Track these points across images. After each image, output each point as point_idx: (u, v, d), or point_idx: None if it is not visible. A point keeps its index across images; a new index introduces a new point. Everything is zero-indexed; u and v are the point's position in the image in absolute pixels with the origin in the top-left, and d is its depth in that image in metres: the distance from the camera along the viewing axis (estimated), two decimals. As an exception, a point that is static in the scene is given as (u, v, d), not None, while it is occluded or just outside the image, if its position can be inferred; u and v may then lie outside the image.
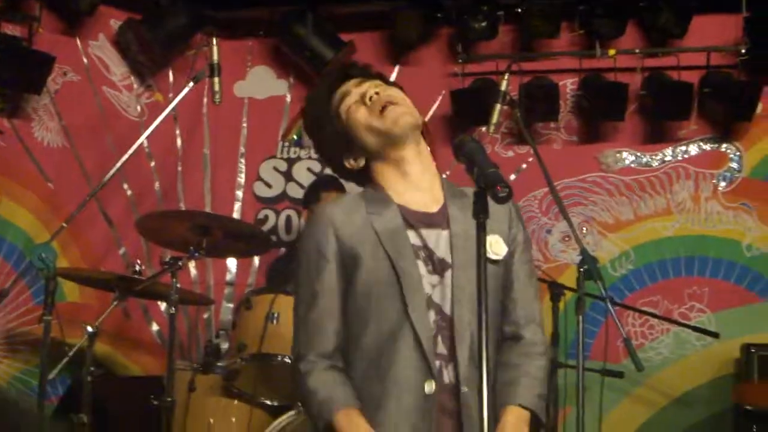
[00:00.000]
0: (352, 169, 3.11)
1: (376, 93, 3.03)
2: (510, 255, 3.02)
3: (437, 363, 2.88)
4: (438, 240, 2.98)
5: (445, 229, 3.00)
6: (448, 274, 2.95)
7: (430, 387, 2.85)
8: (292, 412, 5.05)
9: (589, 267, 4.54)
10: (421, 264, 2.94)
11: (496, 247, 2.96)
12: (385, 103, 3.01)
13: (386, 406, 2.85)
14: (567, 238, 6.73)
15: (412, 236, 2.97)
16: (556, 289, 5.63)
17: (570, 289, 5.43)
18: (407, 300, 2.88)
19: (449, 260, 2.96)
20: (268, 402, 5.42)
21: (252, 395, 5.36)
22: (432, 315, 2.91)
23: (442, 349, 2.90)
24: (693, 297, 6.69)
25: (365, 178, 3.11)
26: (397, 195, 3.03)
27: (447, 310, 2.92)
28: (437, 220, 3.01)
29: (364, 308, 2.93)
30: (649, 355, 6.51)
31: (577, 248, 4.87)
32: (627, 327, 6.42)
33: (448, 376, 2.89)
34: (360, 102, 3.04)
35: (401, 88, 3.12)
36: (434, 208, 3.03)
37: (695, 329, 6.10)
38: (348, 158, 3.10)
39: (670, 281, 6.74)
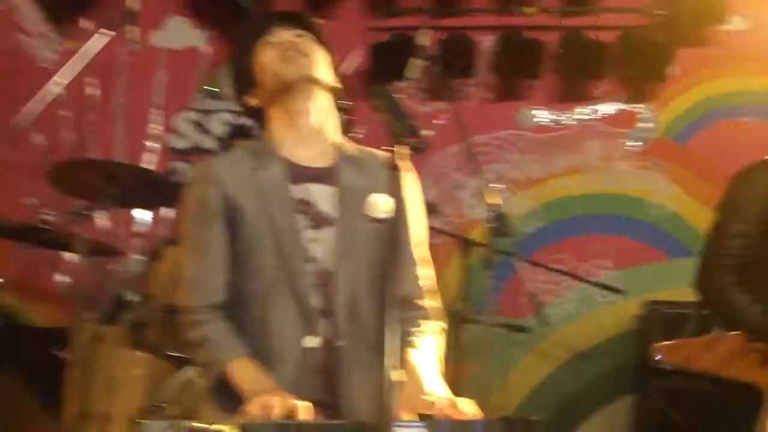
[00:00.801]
0: (250, 108, 3.15)
1: (293, 42, 3.06)
2: (400, 218, 3.01)
3: (314, 317, 2.91)
4: (323, 195, 3.01)
5: (333, 186, 3.02)
6: (331, 229, 2.97)
7: (309, 341, 2.89)
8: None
9: (499, 223, 4.57)
10: (301, 218, 2.96)
11: (384, 206, 2.96)
12: (294, 52, 3.03)
13: (269, 360, 2.86)
14: (478, 194, 6.75)
15: (295, 190, 2.99)
16: (465, 245, 5.65)
17: (480, 244, 5.46)
18: (284, 254, 2.91)
19: (333, 216, 2.98)
20: (175, 354, 5.39)
21: (159, 347, 5.33)
22: (310, 269, 2.93)
23: (319, 302, 2.92)
24: (599, 254, 6.79)
25: (262, 121, 3.13)
26: (286, 147, 3.05)
27: (326, 265, 2.94)
28: (325, 175, 3.03)
29: (245, 262, 2.96)
30: (555, 311, 6.58)
31: (487, 204, 4.89)
32: (534, 283, 6.48)
33: (324, 330, 2.91)
34: (275, 46, 3.06)
35: (330, 51, 3.15)
36: (323, 164, 3.05)
37: (600, 286, 6.21)
38: (246, 95, 3.14)
39: (577, 238, 6.84)
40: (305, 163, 3.04)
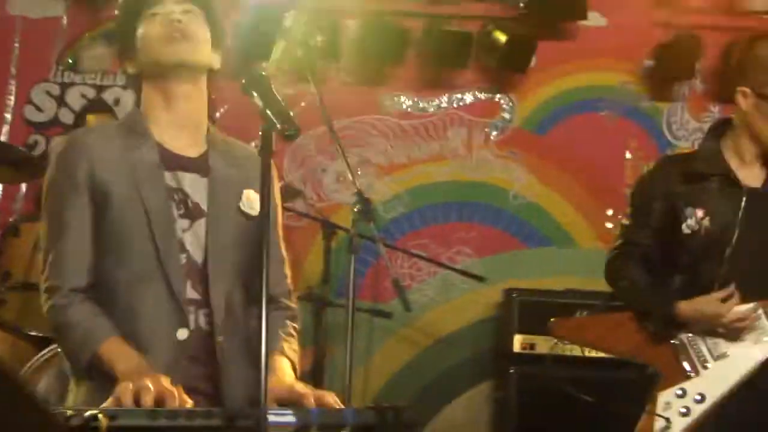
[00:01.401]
0: (130, 75, 3.05)
1: (179, 21, 2.93)
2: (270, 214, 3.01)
3: (187, 308, 2.84)
4: (195, 185, 2.94)
5: (204, 176, 2.96)
6: (202, 221, 2.91)
7: (183, 334, 2.82)
8: (55, 345, 4.94)
9: (362, 208, 4.60)
10: (173, 206, 2.88)
11: (253, 202, 2.95)
12: (179, 33, 2.92)
13: (139, 350, 2.76)
14: (341, 179, 6.78)
15: (168, 177, 2.91)
16: (328, 229, 5.68)
17: (343, 228, 5.50)
18: (158, 242, 2.83)
19: (204, 207, 2.92)
20: (34, 333, 5.28)
21: (17, 326, 5.20)
22: (183, 259, 2.87)
23: (192, 294, 2.86)
24: (461, 241, 6.87)
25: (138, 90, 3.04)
26: (159, 129, 2.96)
27: (197, 256, 2.89)
28: (197, 165, 2.96)
29: (113, 246, 2.85)
30: (416, 297, 6.62)
31: (351, 188, 4.92)
32: (396, 269, 6.54)
33: (197, 322, 2.86)
34: (162, 18, 2.94)
35: (218, 27, 3.05)
36: (194, 153, 2.98)
37: (461, 273, 6.27)
38: (126, 61, 3.02)
39: (439, 225, 6.91)
40: (177, 151, 2.96)
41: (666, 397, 3.86)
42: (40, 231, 2.97)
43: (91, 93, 6.84)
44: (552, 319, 4.20)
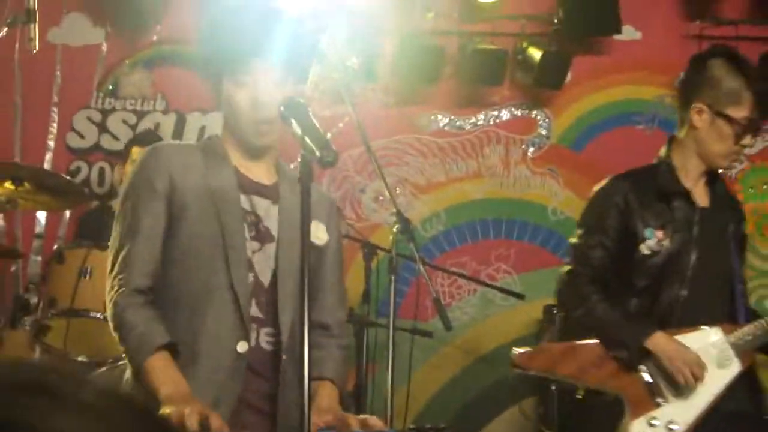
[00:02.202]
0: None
1: (272, 123, 2.93)
2: (327, 245, 3.10)
3: (250, 325, 2.92)
4: (268, 211, 3.03)
5: (276, 204, 3.05)
6: (272, 246, 3.00)
7: (243, 347, 2.88)
8: (103, 369, 5.00)
9: (401, 227, 4.63)
10: (246, 228, 2.97)
11: (320, 233, 3.05)
12: (265, 128, 2.95)
13: (198, 361, 2.86)
14: (380, 198, 6.83)
15: (243, 200, 3.00)
16: (368, 249, 5.70)
17: (382, 249, 5.52)
18: (229, 258, 2.91)
19: (274, 233, 3.01)
20: (80, 358, 5.34)
21: (62, 351, 5.27)
22: (251, 277, 2.95)
23: (256, 312, 2.94)
24: (500, 259, 6.90)
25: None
26: (236, 157, 3.05)
27: (263, 278, 2.97)
28: (270, 192, 3.06)
29: (182, 260, 2.94)
30: (457, 315, 6.69)
31: (389, 208, 4.96)
32: (436, 287, 6.56)
33: (259, 340, 2.94)
34: (245, 89, 2.93)
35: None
36: (268, 182, 3.07)
37: (501, 290, 6.27)
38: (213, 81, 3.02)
39: (478, 243, 6.95)
40: (253, 177, 3.05)
41: (638, 426, 3.81)
42: (113, 232, 3.04)
43: (132, 119, 6.93)
44: (516, 351, 4.07)
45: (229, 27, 2.91)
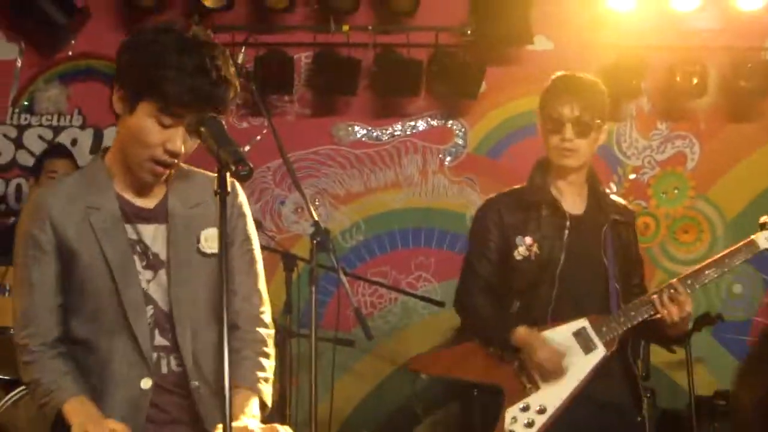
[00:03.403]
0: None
1: (173, 155, 2.86)
2: (227, 247, 2.99)
3: (155, 355, 2.93)
4: (155, 235, 2.99)
5: (163, 224, 3.01)
6: (163, 270, 2.97)
7: (147, 383, 2.91)
8: (23, 387, 4.95)
9: (321, 238, 4.66)
10: (137, 259, 2.95)
11: (211, 241, 3.01)
12: (162, 168, 2.89)
13: (103, 400, 2.88)
14: (300, 210, 6.86)
15: (130, 230, 2.97)
16: (289, 260, 5.72)
17: (303, 259, 5.54)
18: (122, 297, 2.90)
19: (164, 257, 2.98)
20: (1, 376, 5.29)
21: (-18, 369, 5.22)
22: (149, 310, 2.94)
23: (161, 341, 2.95)
24: (420, 267, 6.97)
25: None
26: (121, 180, 2.99)
27: (163, 305, 2.96)
28: (155, 214, 3.01)
29: (80, 303, 2.93)
30: (378, 324, 6.76)
31: (309, 219, 4.98)
32: (357, 296, 6.63)
33: (169, 366, 2.96)
34: (167, 132, 2.83)
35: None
36: (152, 203, 3.02)
37: (422, 298, 6.33)
38: (115, 99, 2.91)
39: (398, 252, 7.01)
40: (136, 202, 3.00)
41: (512, 413, 4.22)
42: (13, 280, 3.05)
43: (48, 134, 6.89)
44: (411, 358, 4.63)
45: (174, 66, 2.78)
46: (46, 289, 2.93)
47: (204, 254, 3.00)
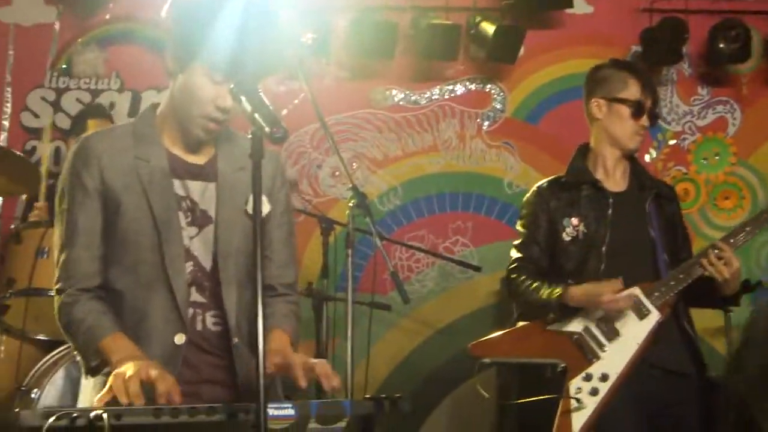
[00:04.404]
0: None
1: (223, 111, 2.91)
2: (269, 214, 3.09)
3: (191, 311, 2.95)
4: (203, 192, 3.02)
5: (212, 182, 3.04)
6: (210, 227, 2.99)
7: (180, 339, 2.91)
8: (63, 347, 5.01)
9: (357, 202, 4.66)
10: (181, 215, 2.97)
11: (262, 206, 3.02)
12: (215, 125, 2.94)
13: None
14: (337, 174, 6.85)
15: (177, 185, 2.99)
16: (325, 224, 5.72)
17: (339, 223, 5.55)
18: (165, 252, 2.92)
19: (212, 214, 3.00)
20: (39, 337, 5.35)
21: (22, 330, 5.27)
22: (189, 266, 2.96)
23: (198, 297, 2.97)
24: (457, 231, 6.94)
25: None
26: (171, 138, 3.03)
27: (204, 262, 2.98)
28: (205, 172, 3.04)
29: (121, 254, 2.94)
30: (415, 288, 6.74)
31: (346, 183, 4.97)
32: (394, 261, 6.62)
33: (204, 323, 2.97)
34: (218, 87, 2.87)
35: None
36: (203, 160, 3.06)
37: (459, 263, 6.29)
38: (169, 56, 2.98)
39: (435, 216, 6.98)
40: (186, 158, 3.03)
41: (576, 384, 4.25)
42: (55, 234, 3.05)
43: (86, 97, 6.90)
44: (470, 344, 4.69)
45: (224, 26, 2.83)
46: (91, 236, 2.94)
47: (250, 216, 3.00)
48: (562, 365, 4.15)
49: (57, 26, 6.97)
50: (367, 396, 2.67)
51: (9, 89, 6.88)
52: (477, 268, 6.07)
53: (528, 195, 4.69)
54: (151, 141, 3.01)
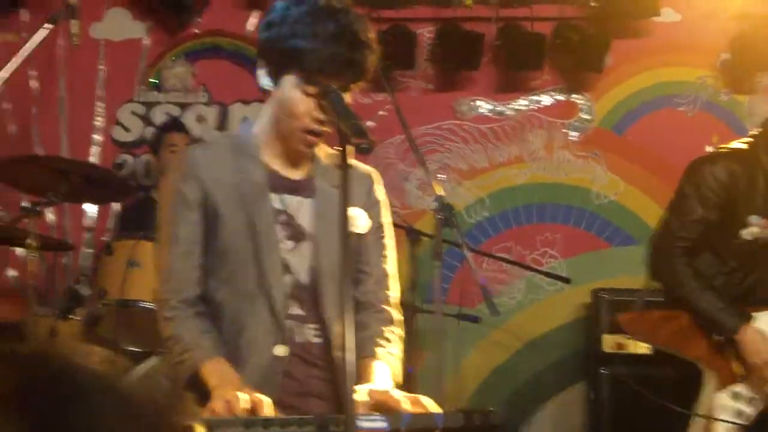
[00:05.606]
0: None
1: (321, 123, 2.90)
2: (373, 227, 3.11)
3: (291, 324, 2.97)
4: (300, 207, 3.04)
5: (309, 198, 3.05)
6: (307, 243, 3.01)
7: (280, 350, 2.94)
8: (153, 358, 5.07)
9: (445, 213, 4.64)
10: (279, 228, 2.99)
11: (359, 220, 3.04)
12: (314, 137, 2.95)
13: (235, 365, 2.89)
14: (423, 185, 6.84)
15: (275, 199, 3.01)
16: (413, 236, 5.71)
17: (427, 235, 5.54)
18: (263, 263, 2.94)
19: (309, 230, 3.02)
20: (130, 348, 5.42)
21: (113, 341, 5.34)
22: (287, 279, 2.98)
23: (297, 310, 2.98)
24: (545, 243, 6.90)
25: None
26: (268, 152, 3.05)
27: (302, 276, 3.00)
28: (302, 187, 3.06)
29: (220, 265, 2.98)
30: (504, 300, 6.70)
31: (433, 195, 4.96)
32: (482, 272, 6.60)
33: (304, 336, 2.99)
34: (307, 101, 2.88)
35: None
36: (300, 176, 3.08)
37: (547, 275, 6.26)
38: (262, 72, 3.00)
39: (523, 228, 6.94)
40: (283, 173, 3.06)
41: (724, 397, 4.09)
42: (156, 241, 3.11)
43: (175, 111, 6.98)
44: (620, 316, 4.41)
45: (310, 35, 2.83)
46: (191, 247, 2.98)
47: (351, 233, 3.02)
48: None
49: (146, 41, 7.07)
50: (458, 409, 2.67)
51: (100, 104, 6.99)
52: (566, 280, 6.02)
53: (704, 159, 4.29)
54: (250, 155, 3.04)
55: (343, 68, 2.83)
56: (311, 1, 2.91)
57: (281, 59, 2.91)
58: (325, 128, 2.93)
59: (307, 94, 2.88)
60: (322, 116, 2.88)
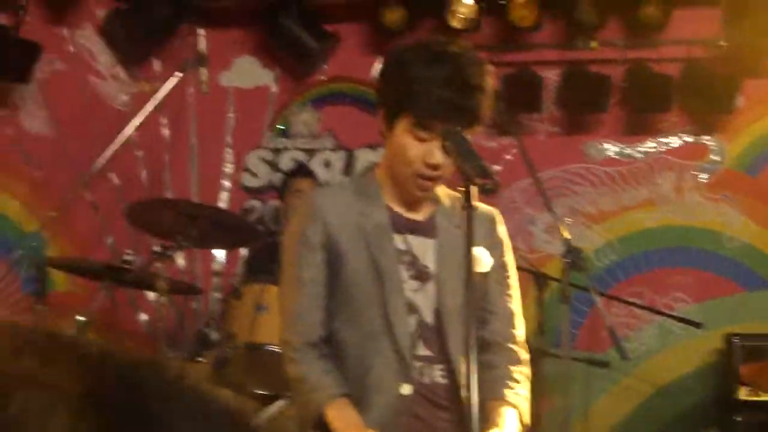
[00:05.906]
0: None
1: (434, 168, 2.90)
2: (497, 265, 3.09)
3: (417, 364, 2.96)
4: (423, 248, 3.03)
5: (432, 239, 3.05)
6: (431, 283, 3.00)
7: (406, 389, 2.93)
8: (281, 401, 5.09)
9: (573, 257, 4.60)
10: (402, 269, 2.99)
11: (482, 259, 3.02)
12: (428, 182, 2.95)
13: (361, 404, 2.90)
14: (551, 229, 6.77)
15: (398, 240, 3.02)
16: (540, 280, 5.67)
17: (555, 279, 5.49)
18: (388, 303, 2.94)
19: (433, 269, 3.01)
20: (258, 391, 5.45)
21: (242, 384, 5.38)
22: (412, 319, 2.97)
23: (424, 351, 2.98)
24: (676, 287, 6.76)
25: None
26: (390, 194, 3.06)
27: (427, 316, 2.99)
28: (424, 228, 3.06)
29: (344, 306, 2.99)
30: (634, 345, 6.57)
31: (561, 239, 4.92)
32: (611, 317, 6.48)
33: (431, 377, 2.98)
34: (426, 145, 2.89)
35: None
36: (422, 217, 3.08)
37: (679, 319, 6.14)
38: (380, 123, 3.02)
39: (653, 272, 6.82)
40: (406, 214, 3.06)
41: None
42: (280, 283, 3.14)
43: (302, 157, 7.05)
44: (742, 366, 4.23)
45: (422, 80, 2.84)
46: (316, 288, 2.99)
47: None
48: None
49: (274, 88, 7.17)
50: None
51: (229, 150, 7.11)
52: (698, 325, 5.89)
53: None
54: (372, 197, 3.06)
55: (453, 113, 2.81)
56: (426, 45, 2.93)
57: (395, 103, 2.92)
58: (438, 173, 2.92)
59: (419, 140, 2.87)
60: (434, 161, 2.87)
